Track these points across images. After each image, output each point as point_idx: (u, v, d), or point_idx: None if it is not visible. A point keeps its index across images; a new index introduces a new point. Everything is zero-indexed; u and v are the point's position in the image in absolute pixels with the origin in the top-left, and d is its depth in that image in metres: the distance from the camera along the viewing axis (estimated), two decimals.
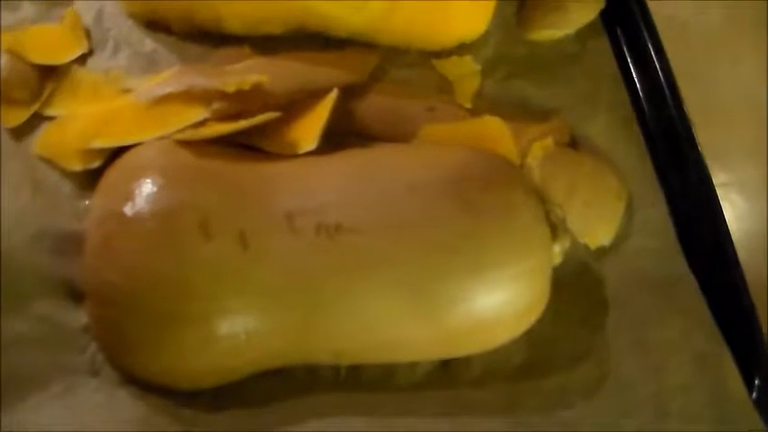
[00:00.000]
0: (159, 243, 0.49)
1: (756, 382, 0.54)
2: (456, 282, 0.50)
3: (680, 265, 0.59)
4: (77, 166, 0.57)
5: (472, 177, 0.53)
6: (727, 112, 1.00)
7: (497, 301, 0.51)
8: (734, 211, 0.96)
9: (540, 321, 0.54)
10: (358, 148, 0.57)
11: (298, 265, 0.50)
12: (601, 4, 0.65)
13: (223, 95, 0.56)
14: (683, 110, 0.62)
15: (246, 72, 0.57)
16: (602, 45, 0.66)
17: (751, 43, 1.03)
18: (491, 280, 0.50)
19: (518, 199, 0.52)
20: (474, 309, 0.50)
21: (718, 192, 0.81)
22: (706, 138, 0.65)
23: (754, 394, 0.54)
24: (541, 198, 0.55)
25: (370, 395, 0.54)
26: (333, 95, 0.58)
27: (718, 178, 0.98)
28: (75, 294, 0.54)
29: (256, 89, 0.56)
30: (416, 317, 0.50)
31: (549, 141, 0.59)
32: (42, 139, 0.59)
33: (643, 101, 0.64)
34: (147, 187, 0.51)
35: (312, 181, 0.53)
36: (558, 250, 0.55)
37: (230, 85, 0.56)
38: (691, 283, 0.58)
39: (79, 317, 0.54)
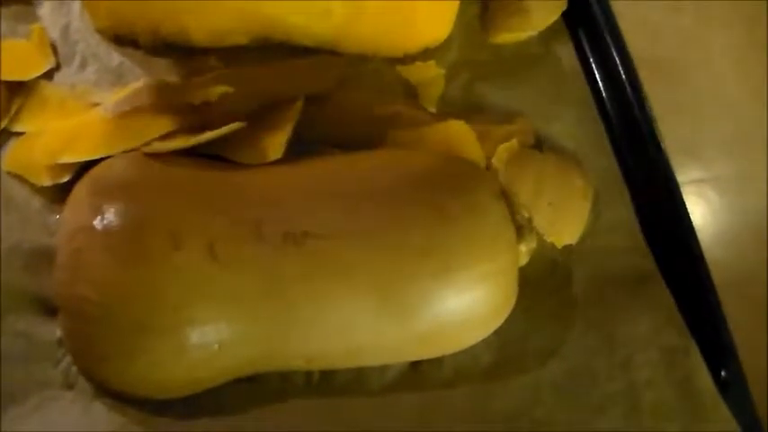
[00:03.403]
0: (129, 256, 0.49)
1: (723, 374, 0.55)
2: (425, 284, 0.50)
3: (647, 262, 0.59)
4: (46, 181, 0.57)
5: (439, 181, 0.53)
6: (701, 109, 1.01)
7: (466, 303, 0.51)
8: (708, 206, 0.97)
9: (509, 320, 0.55)
10: (324, 156, 0.57)
11: (267, 273, 0.50)
12: (562, 6, 0.65)
13: (190, 107, 0.56)
14: (647, 109, 0.63)
15: (213, 83, 0.58)
16: (565, 46, 0.66)
17: (723, 41, 1.04)
18: (459, 282, 0.51)
19: (484, 201, 0.53)
20: (443, 311, 0.51)
21: (692, 188, 0.82)
22: (679, 135, 0.66)
23: (721, 386, 0.55)
24: (507, 199, 0.56)
25: (343, 399, 0.54)
26: (298, 104, 0.58)
27: (692, 174, 1.00)
28: (49, 308, 0.54)
29: (223, 100, 0.57)
30: (386, 320, 0.51)
31: (513, 143, 0.60)
32: (10, 155, 0.59)
33: (606, 101, 0.65)
34: (115, 201, 0.51)
35: (279, 189, 0.53)
36: (524, 251, 0.56)
37: (197, 97, 0.56)
38: (658, 279, 0.58)
39: (53, 330, 0.54)
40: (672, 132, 0.65)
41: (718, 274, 0.59)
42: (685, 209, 0.60)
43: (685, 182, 0.62)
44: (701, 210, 1.00)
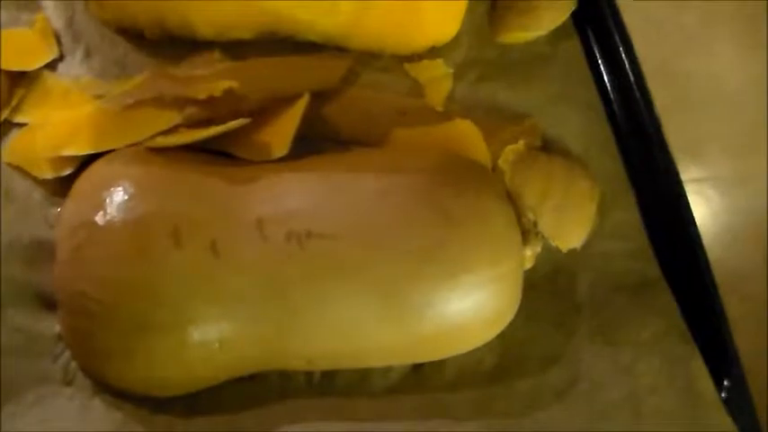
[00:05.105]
0: (130, 253, 0.49)
1: (726, 383, 0.55)
2: (428, 287, 0.50)
3: (651, 267, 0.59)
4: (48, 174, 0.57)
5: (444, 182, 0.53)
6: (702, 109, 1.01)
7: (469, 307, 0.51)
8: (708, 205, 0.97)
9: (512, 324, 0.54)
10: (329, 154, 0.57)
11: (269, 272, 0.50)
12: (572, 6, 0.64)
13: (194, 102, 0.56)
14: (654, 111, 0.62)
15: (218, 78, 0.57)
16: (574, 46, 0.66)
17: (725, 41, 1.04)
18: (463, 285, 0.50)
19: (490, 204, 0.53)
20: (446, 314, 0.51)
21: (693, 187, 0.81)
22: (680, 134, 0.65)
23: (724, 395, 0.55)
24: (513, 202, 0.55)
25: (344, 400, 0.54)
26: (304, 101, 0.57)
27: (693, 173, 1.00)
28: (48, 302, 0.54)
29: (228, 95, 0.56)
30: (388, 323, 0.50)
31: (520, 145, 0.59)
32: (12, 147, 0.58)
33: (614, 102, 0.64)
34: (117, 196, 0.50)
35: (283, 187, 0.53)
36: (529, 255, 0.56)
37: (201, 92, 0.55)
38: (662, 285, 0.58)
39: (52, 325, 0.54)
40: (672, 131, 0.64)
41: (717, 274, 0.59)
42: (691, 214, 0.60)
43: (685, 181, 0.62)
44: (700, 209, 1.00)
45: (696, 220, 0.60)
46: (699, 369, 0.55)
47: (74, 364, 0.53)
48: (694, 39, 1.06)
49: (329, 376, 0.55)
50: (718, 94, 1.03)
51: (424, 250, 0.50)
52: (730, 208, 0.98)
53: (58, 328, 0.54)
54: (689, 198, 0.61)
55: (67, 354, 0.53)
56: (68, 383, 0.53)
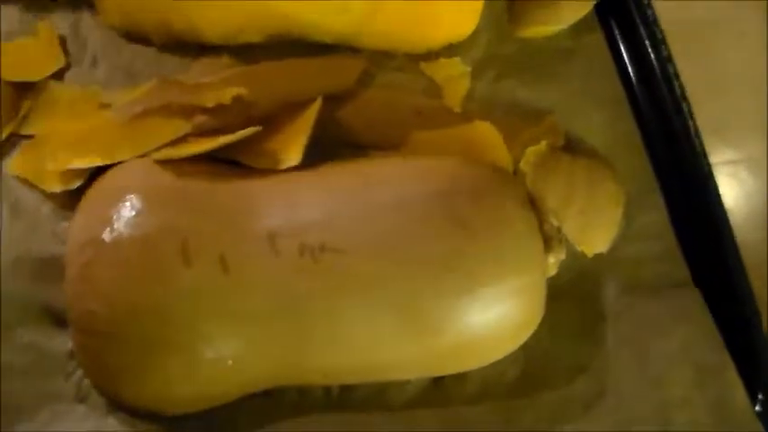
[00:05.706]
0: (139, 270, 0.48)
1: (760, 396, 0.53)
2: (447, 301, 0.48)
3: (681, 270, 0.57)
4: (56, 188, 0.56)
5: (462, 190, 0.51)
6: (735, 90, 0.99)
7: (491, 319, 0.49)
8: (742, 187, 0.96)
9: (535, 334, 0.52)
10: (343, 162, 0.55)
11: (281, 288, 0.48)
12: None
13: (203, 110, 0.54)
14: (681, 106, 0.60)
15: (226, 84, 0.55)
16: (597, 40, 0.63)
17: (756, 20, 1.02)
18: (484, 297, 0.48)
19: (510, 212, 0.51)
20: (467, 327, 0.49)
21: (727, 169, 0.79)
22: (714, 116, 0.63)
23: (758, 408, 0.52)
24: (535, 207, 0.53)
25: (363, 415, 0.53)
26: (317, 105, 0.55)
27: (727, 155, 0.98)
28: (60, 319, 0.53)
29: (237, 102, 0.54)
30: (406, 337, 0.49)
31: (542, 145, 0.57)
32: (20, 160, 0.57)
33: (640, 98, 0.62)
34: (125, 212, 0.49)
35: (295, 198, 0.51)
36: (552, 262, 0.54)
37: (210, 99, 0.54)
38: (693, 290, 0.56)
39: (64, 342, 0.53)
40: (705, 112, 0.62)
41: (749, 256, 0.57)
42: (725, 213, 0.58)
43: (719, 163, 0.60)
44: (733, 191, 0.99)
45: (728, 201, 0.58)
46: (732, 380, 0.53)
47: (87, 382, 0.52)
48: (723, 19, 1.04)
49: (348, 390, 0.53)
50: (750, 75, 1.01)
51: (442, 263, 0.48)
52: (764, 189, 0.97)
53: (70, 344, 0.53)
54: (721, 180, 0.59)
55: (80, 371, 0.52)
56: (82, 401, 0.52)
